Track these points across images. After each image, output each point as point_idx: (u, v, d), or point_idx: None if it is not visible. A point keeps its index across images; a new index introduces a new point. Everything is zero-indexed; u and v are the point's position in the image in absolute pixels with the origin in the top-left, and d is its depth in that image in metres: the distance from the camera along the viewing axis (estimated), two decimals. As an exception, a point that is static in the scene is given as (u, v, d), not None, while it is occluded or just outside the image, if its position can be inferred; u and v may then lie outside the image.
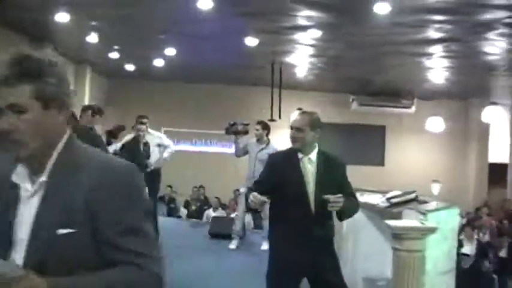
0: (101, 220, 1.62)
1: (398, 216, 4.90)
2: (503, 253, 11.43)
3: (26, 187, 1.68)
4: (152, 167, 8.85)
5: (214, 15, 9.17)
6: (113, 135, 8.10)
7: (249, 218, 11.63)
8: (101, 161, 1.73)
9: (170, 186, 15.23)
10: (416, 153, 18.22)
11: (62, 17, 9.68)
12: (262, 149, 8.45)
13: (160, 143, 9.30)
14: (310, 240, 4.08)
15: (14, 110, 1.63)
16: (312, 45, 11.37)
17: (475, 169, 17.98)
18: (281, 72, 13.64)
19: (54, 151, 1.70)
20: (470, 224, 11.81)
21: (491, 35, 9.69)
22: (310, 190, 4.08)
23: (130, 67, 14.60)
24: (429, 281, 4.72)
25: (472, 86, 15.57)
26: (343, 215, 4.13)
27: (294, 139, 4.21)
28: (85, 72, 14.46)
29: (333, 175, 4.16)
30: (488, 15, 8.71)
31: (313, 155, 4.21)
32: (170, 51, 12.18)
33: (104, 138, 8.36)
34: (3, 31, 10.69)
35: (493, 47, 10.50)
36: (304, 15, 9.33)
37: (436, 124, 17.09)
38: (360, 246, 6.47)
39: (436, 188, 16.34)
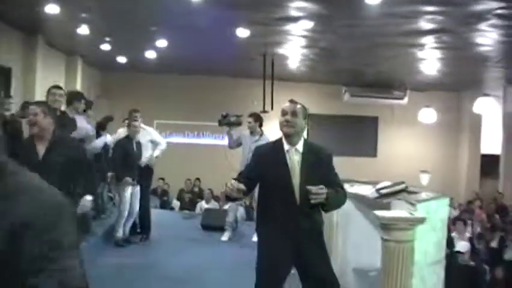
0: (18, 257, 1.52)
1: (387, 207, 4.89)
2: (494, 244, 11.46)
3: None
4: (143, 164, 8.84)
5: (205, 6, 9.13)
6: (101, 126, 8.06)
7: (241, 209, 11.66)
8: (31, 197, 1.59)
9: (163, 179, 15.24)
10: (408, 145, 18.27)
11: (52, 9, 9.62)
12: (256, 141, 8.43)
13: (152, 139, 9.26)
14: (297, 232, 4.08)
15: None
16: (303, 37, 11.34)
17: (467, 160, 18.05)
18: (273, 64, 13.62)
19: None
20: (461, 219, 11.84)
21: (483, 26, 9.68)
22: (295, 181, 4.07)
23: (122, 59, 14.54)
24: (418, 272, 4.72)
25: (464, 77, 15.59)
26: (328, 206, 4.09)
27: (288, 124, 4.16)
28: (76, 64, 14.40)
29: (319, 166, 4.15)
30: (480, 6, 8.70)
31: (300, 146, 4.20)
32: (162, 43, 12.13)
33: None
34: (-6, 23, 10.67)
35: (485, 38, 10.50)
36: (295, 6, 9.29)
37: (428, 115, 17.12)
38: (350, 237, 6.47)
39: (425, 179, 16.41)
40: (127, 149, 8.50)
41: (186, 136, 17.65)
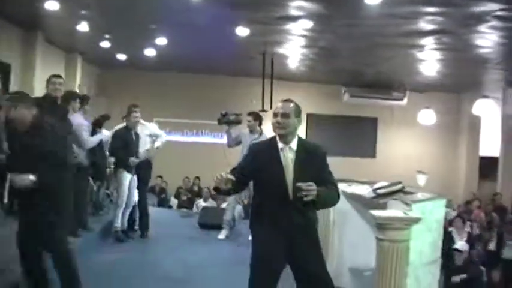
0: None
1: (383, 207, 4.90)
2: (492, 246, 11.46)
3: None
4: (142, 158, 8.83)
5: (205, 4, 9.14)
6: (98, 124, 8.04)
7: (239, 208, 11.66)
8: None
9: (161, 177, 15.23)
10: (407, 146, 18.26)
11: (52, 5, 9.62)
12: (255, 139, 8.42)
13: (152, 133, 9.27)
14: (290, 228, 4.08)
15: None
16: (303, 36, 11.33)
17: (466, 162, 18.05)
18: (272, 63, 13.62)
19: None
20: (460, 216, 11.86)
21: (483, 27, 9.68)
22: (289, 178, 4.07)
23: (121, 56, 14.53)
24: (413, 271, 4.73)
25: (463, 79, 15.59)
26: (319, 203, 4.08)
27: (280, 125, 4.18)
28: (75, 61, 14.37)
29: (312, 163, 4.15)
30: (480, 8, 8.69)
31: (294, 144, 4.20)
32: (161, 41, 12.12)
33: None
34: (-6, 19, 10.67)
35: (485, 39, 10.49)
36: (295, 5, 9.29)
37: (427, 117, 17.10)
38: (347, 237, 6.47)
39: (421, 179, 16.39)
40: (126, 139, 8.47)
41: (185, 134, 17.63)
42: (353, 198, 6.14)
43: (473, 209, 14.07)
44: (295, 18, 10.04)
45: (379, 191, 5.33)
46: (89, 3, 9.78)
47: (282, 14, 9.84)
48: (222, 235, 9.26)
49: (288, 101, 4.32)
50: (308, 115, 17.94)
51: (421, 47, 11.46)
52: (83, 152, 7.70)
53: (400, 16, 9.41)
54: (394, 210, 4.71)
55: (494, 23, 9.32)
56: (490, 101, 15.30)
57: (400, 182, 5.45)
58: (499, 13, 8.82)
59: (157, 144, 9.24)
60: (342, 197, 6.10)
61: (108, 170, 9.87)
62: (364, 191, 5.70)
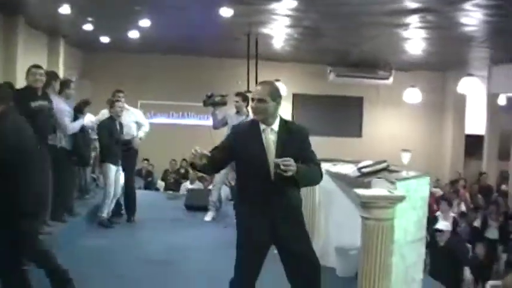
0: None
1: (368, 186, 4.90)
2: (477, 223, 11.56)
3: None
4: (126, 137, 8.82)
5: (188, -15, 9.06)
6: (79, 109, 7.93)
7: (226, 189, 11.64)
8: None
9: (147, 160, 15.19)
10: (393, 125, 18.33)
11: (33, -13, 9.50)
12: (242, 121, 8.38)
13: (137, 120, 9.22)
14: (272, 209, 4.07)
15: None
16: (287, 16, 11.25)
17: (452, 140, 18.16)
18: (257, 43, 13.53)
19: None
20: (446, 199, 11.91)
21: (467, 5, 9.62)
22: (270, 160, 4.05)
23: (105, 39, 14.40)
24: (398, 250, 4.75)
25: (449, 57, 15.60)
26: (299, 180, 4.08)
27: (256, 110, 4.18)
28: (58, 44, 14.21)
29: (294, 144, 4.13)
30: (464, -15, 8.69)
31: (276, 125, 4.18)
32: (145, 23, 11.99)
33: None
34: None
35: (470, 18, 10.46)
36: (278, -15, 9.24)
37: (413, 95, 17.10)
38: (332, 216, 6.49)
39: (405, 157, 16.49)
40: (111, 130, 8.46)
41: (170, 116, 17.60)
42: (338, 177, 6.15)
43: (459, 189, 14.16)
44: (279, -2, 9.97)
45: (363, 170, 5.33)
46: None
47: (266, -6, 9.77)
48: (208, 217, 9.26)
49: (265, 83, 4.29)
50: (294, 95, 17.97)
51: (406, 25, 11.42)
52: (65, 137, 7.61)
53: (384, -6, 9.38)
54: (378, 189, 4.70)
55: (479, 0, 9.29)
56: (475, 79, 15.31)
57: (385, 161, 5.45)
58: (483, -10, 8.81)
59: (140, 134, 9.20)
60: (327, 177, 6.16)
61: (93, 154, 9.82)
62: (349, 170, 5.70)
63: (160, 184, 15.35)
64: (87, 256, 6.84)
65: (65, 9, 10.87)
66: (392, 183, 4.69)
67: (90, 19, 12.12)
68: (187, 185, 13.96)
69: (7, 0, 10.76)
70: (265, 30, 12.72)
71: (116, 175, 8.57)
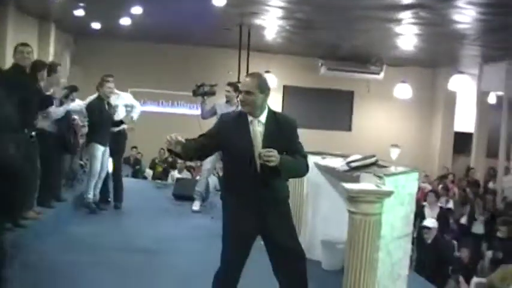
0: None
1: (356, 180, 4.89)
2: (463, 220, 11.62)
3: None
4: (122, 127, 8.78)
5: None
6: (65, 95, 7.82)
7: (214, 179, 11.62)
8: None
9: (135, 147, 15.14)
10: (383, 120, 18.38)
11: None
12: (232, 111, 8.33)
13: (127, 103, 9.18)
14: (258, 200, 4.07)
15: None
16: (280, 7, 11.23)
17: (441, 137, 18.23)
18: (249, 34, 13.50)
19: None
20: (434, 191, 11.97)
21: (460, 2, 9.64)
22: (256, 151, 4.03)
23: (96, 25, 14.29)
24: (385, 245, 4.74)
25: (440, 54, 15.63)
26: (283, 172, 4.05)
27: (243, 103, 4.16)
28: (49, 30, 14.12)
29: (281, 135, 4.11)
30: (458, -18, 8.69)
31: (263, 117, 4.16)
32: (137, 10, 11.90)
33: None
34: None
35: (462, 15, 10.47)
36: (272, -24, 9.20)
37: (404, 91, 17.14)
38: (320, 210, 6.48)
39: (394, 153, 16.53)
40: (99, 109, 8.38)
41: (160, 105, 17.55)
42: (326, 171, 6.14)
43: (448, 184, 14.22)
44: (272, -11, 9.95)
45: (352, 164, 5.31)
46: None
47: (259, -15, 9.74)
48: (195, 206, 9.22)
49: (253, 75, 4.24)
50: (284, 87, 17.97)
51: (399, 20, 11.42)
52: (48, 121, 7.48)
53: (378, -11, 9.37)
54: (366, 184, 4.69)
55: (472, -2, 9.32)
56: (465, 76, 15.37)
57: (373, 156, 5.43)
58: (476, -12, 8.82)
59: (134, 116, 9.18)
60: (315, 170, 6.16)
61: (81, 141, 9.75)
62: (338, 163, 5.68)
63: (149, 172, 15.31)
64: (73, 243, 6.80)
65: (56, -7, 10.81)
66: (381, 178, 4.68)
67: (81, 4, 12.02)
68: (175, 174, 13.93)
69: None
70: (257, 21, 12.69)
71: (102, 157, 8.49)
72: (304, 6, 10.99)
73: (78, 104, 8.69)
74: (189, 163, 14.29)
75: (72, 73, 14.84)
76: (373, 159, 5.37)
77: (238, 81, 12.47)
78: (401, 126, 18.40)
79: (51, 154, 7.40)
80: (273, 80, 15.57)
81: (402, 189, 4.92)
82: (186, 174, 13.60)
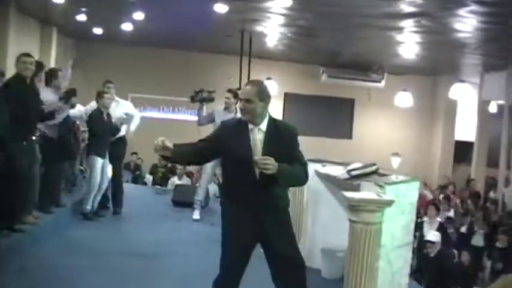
0: None
1: (357, 189, 4.86)
2: (463, 229, 11.59)
3: None
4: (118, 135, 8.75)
5: (183, -21, 9.00)
6: (64, 100, 7.78)
7: (214, 187, 11.59)
8: None
9: (136, 153, 15.11)
10: (384, 128, 18.36)
11: (26, -24, 9.41)
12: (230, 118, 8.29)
13: (126, 112, 9.13)
14: (258, 209, 4.04)
15: None
16: (282, 15, 11.24)
17: (441, 146, 18.21)
18: (251, 41, 13.51)
19: None
20: (434, 203, 11.91)
21: (462, 11, 9.65)
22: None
23: (98, 30, 14.31)
24: (385, 254, 4.72)
25: (441, 63, 15.66)
26: (281, 180, 4.01)
27: (243, 111, 4.12)
28: (51, 34, 14.13)
29: (281, 143, 4.08)
30: (460, -9, 8.69)
31: (264, 125, 4.12)
32: (139, 16, 11.90)
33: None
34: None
35: (464, 24, 10.48)
36: (274, -17, 9.20)
37: (405, 99, 17.13)
38: (320, 218, 6.46)
39: (395, 161, 16.52)
40: (99, 121, 8.36)
41: (161, 111, 17.55)
42: (327, 179, 6.12)
43: (449, 194, 14.18)
44: (274, -4, 9.95)
45: (353, 173, 5.29)
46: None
47: (261, -8, 9.74)
48: (196, 215, 9.15)
49: (253, 83, 4.22)
50: (285, 94, 17.97)
51: (400, 29, 11.43)
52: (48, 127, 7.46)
53: (380, -3, 9.37)
54: (367, 192, 4.67)
55: (474, 7, 9.29)
56: (466, 85, 15.36)
57: (374, 164, 5.41)
58: (478, -3, 8.81)
59: (132, 127, 9.11)
60: (315, 178, 6.15)
61: (82, 146, 9.74)
62: (338, 172, 5.66)
63: (149, 178, 15.28)
64: (72, 247, 6.78)
65: (58, -2, 10.79)
66: (382, 187, 4.66)
67: (83, 9, 12.03)
68: (175, 180, 13.90)
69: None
70: (259, 28, 12.70)
71: (102, 168, 8.47)
72: (306, 13, 11.00)
73: (78, 109, 8.66)
74: (189, 168, 14.28)
75: (73, 77, 14.82)
76: (373, 168, 5.35)
77: (239, 88, 12.48)
78: (402, 135, 18.39)
79: (51, 160, 7.38)
80: (274, 87, 15.56)
81: (403, 198, 4.89)
82: (186, 180, 13.57)
